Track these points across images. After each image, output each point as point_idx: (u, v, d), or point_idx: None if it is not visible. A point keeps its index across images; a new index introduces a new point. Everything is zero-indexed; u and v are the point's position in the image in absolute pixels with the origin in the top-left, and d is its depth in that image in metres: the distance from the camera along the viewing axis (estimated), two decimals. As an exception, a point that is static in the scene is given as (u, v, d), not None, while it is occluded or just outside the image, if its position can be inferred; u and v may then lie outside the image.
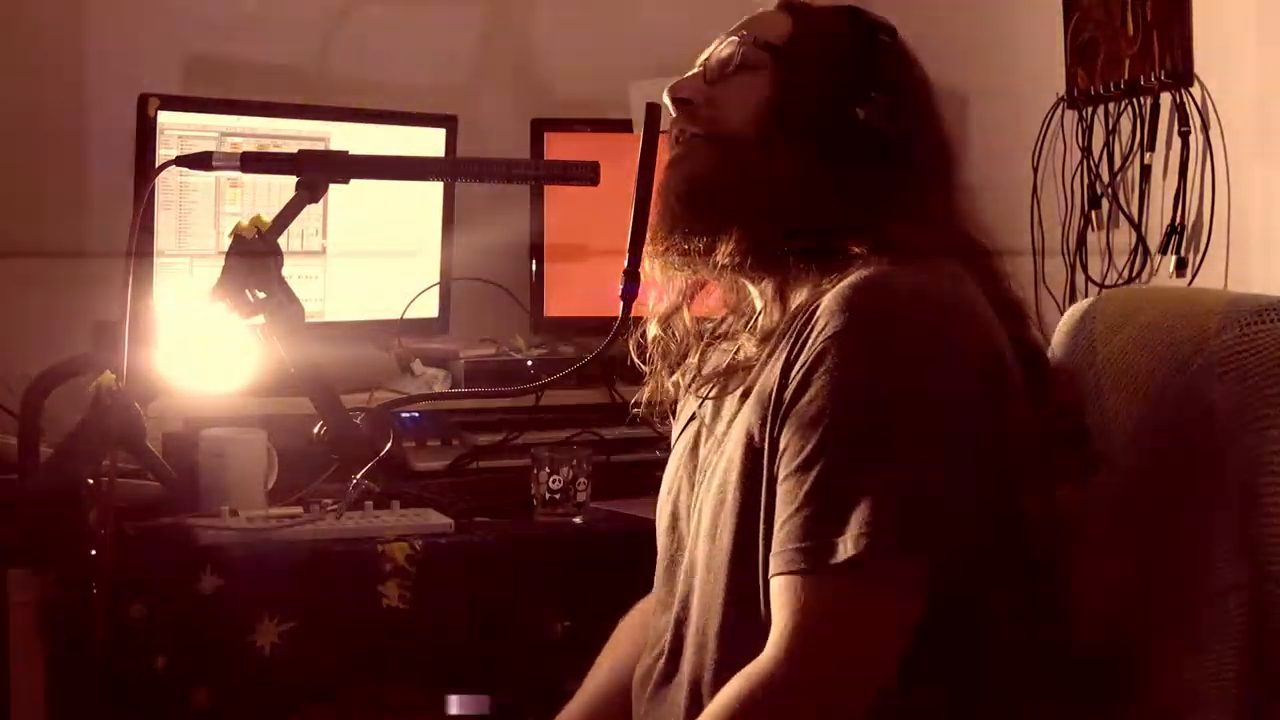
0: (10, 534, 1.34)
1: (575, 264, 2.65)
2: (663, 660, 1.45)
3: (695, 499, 1.46)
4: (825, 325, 1.29)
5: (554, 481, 2.24)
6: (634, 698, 1.51)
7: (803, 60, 1.42)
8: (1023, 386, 1.34)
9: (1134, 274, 2.33)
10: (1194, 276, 2.22)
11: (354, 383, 2.36)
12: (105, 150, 2.50)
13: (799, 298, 1.39)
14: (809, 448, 1.27)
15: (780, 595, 1.26)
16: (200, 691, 1.93)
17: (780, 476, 1.29)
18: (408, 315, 2.55)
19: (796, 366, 1.30)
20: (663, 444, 2.57)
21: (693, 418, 1.52)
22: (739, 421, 1.38)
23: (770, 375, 1.34)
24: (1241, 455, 1.32)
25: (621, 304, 1.44)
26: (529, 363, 2.54)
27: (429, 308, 2.59)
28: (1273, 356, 1.33)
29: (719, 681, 1.32)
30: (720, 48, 1.48)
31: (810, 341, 1.30)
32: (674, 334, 1.54)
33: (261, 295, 1.32)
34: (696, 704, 1.36)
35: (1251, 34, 2.14)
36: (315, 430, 1.41)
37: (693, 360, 1.53)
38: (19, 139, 2.51)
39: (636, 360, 1.57)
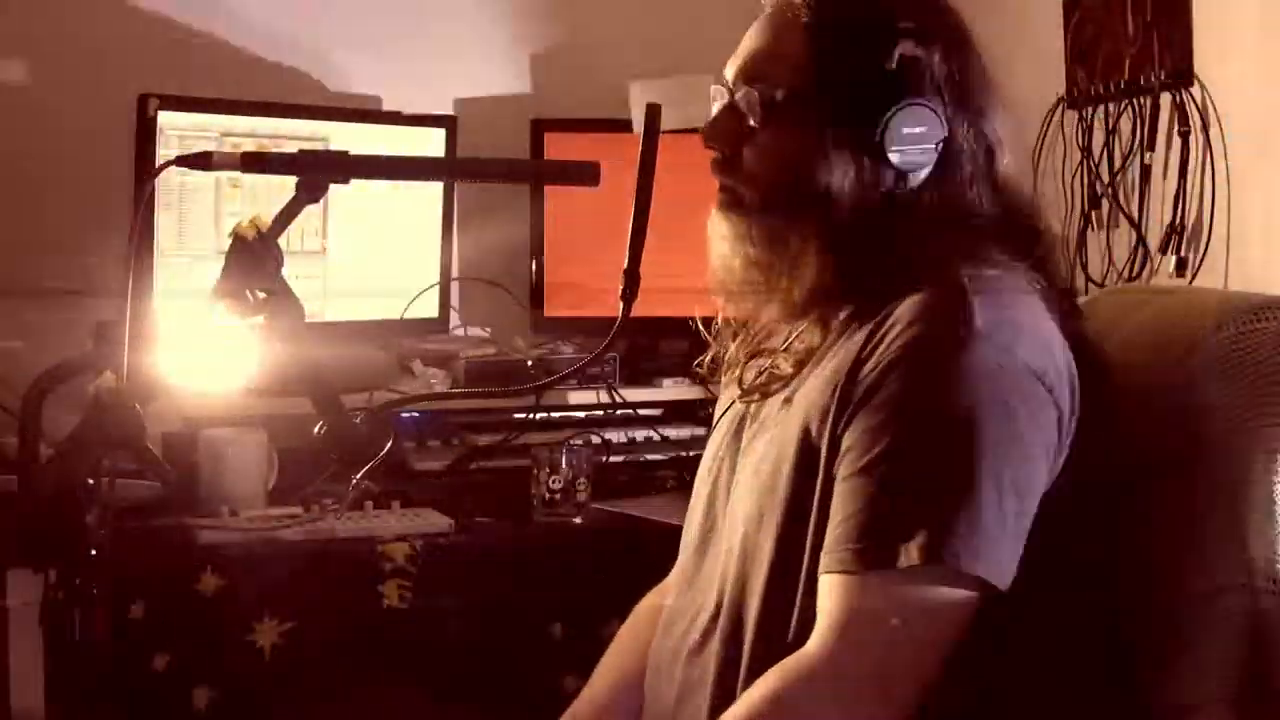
0: (10, 534, 1.34)
1: (575, 264, 2.65)
2: (694, 636, 1.43)
3: (735, 482, 1.46)
4: (902, 332, 1.29)
5: (554, 481, 2.24)
6: (655, 674, 1.50)
7: (835, 86, 1.37)
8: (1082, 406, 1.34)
9: (1134, 274, 2.33)
10: (1194, 276, 2.22)
11: (354, 383, 2.35)
12: (105, 150, 2.50)
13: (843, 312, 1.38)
14: (877, 450, 1.26)
15: (832, 592, 1.26)
16: (200, 691, 1.93)
17: (842, 474, 1.29)
18: (408, 315, 2.55)
19: (869, 368, 1.29)
20: (665, 447, 2.58)
21: (733, 402, 1.52)
22: (793, 414, 1.36)
23: (834, 375, 1.33)
24: (1239, 453, 1.32)
25: (621, 304, 1.44)
26: (529, 363, 2.54)
27: (429, 308, 2.59)
28: (1270, 354, 1.32)
29: (753, 663, 1.32)
30: (743, 95, 1.42)
31: (884, 346, 1.29)
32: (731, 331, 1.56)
33: (261, 295, 1.32)
34: (726, 684, 1.35)
35: (1251, 34, 2.14)
36: (315, 430, 1.41)
37: (738, 356, 1.53)
38: (19, 139, 2.51)
39: (703, 329, 1.58)
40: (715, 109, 1.46)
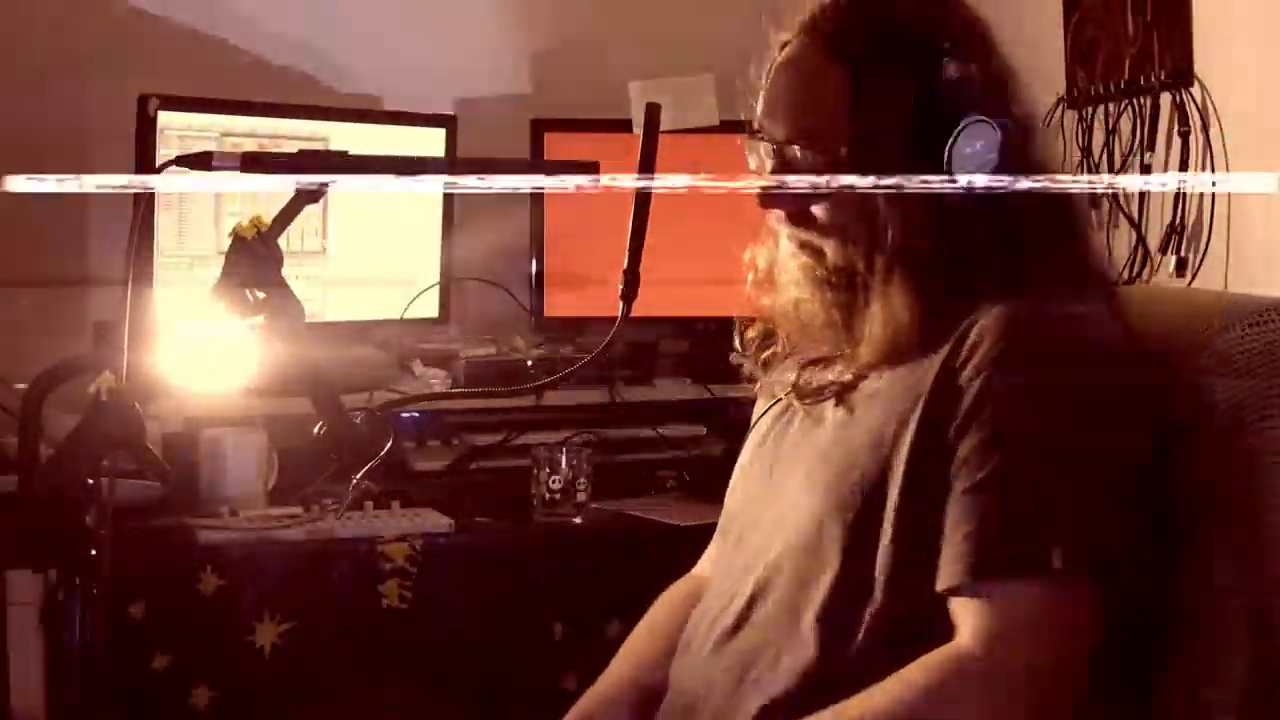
0: (10, 534, 1.34)
1: (575, 264, 2.65)
2: (725, 623, 1.44)
3: (782, 481, 1.46)
4: (999, 342, 1.31)
5: (554, 481, 2.24)
6: (684, 660, 1.50)
7: (892, 126, 1.36)
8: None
9: (1134, 274, 2.33)
10: (1194, 276, 2.22)
11: (354, 383, 2.35)
12: (105, 150, 2.50)
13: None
14: (998, 461, 1.28)
15: (983, 596, 1.27)
16: (200, 691, 1.93)
17: (962, 487, 1.29)
18: (408, 315, 2.55)
19: (968, 377, 1.31)
20: (665, 447, 2.58)
21: (776, 401, 1.54)
22: (864, 421, 1.38)
23: (915, 385, 1.34)
24: (1244, 454, 1.32)
25: (621, 304, 1.44)
26: (529, 363, 2.54)
27: (429, 308, 2.59)
28: (1274, 356, 1.33)
29: (800, 658, 1.33)
30: (801, 157, 1.41)
31: (979, 355, 1.31)
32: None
33: (261, 295, 1.32)
34: (760, 669, 1.36)
35: (1251, 34, 2.14)
36: (315, 430, 1.41)
37: (787, 360, 1.54)
38: (19, 139, 2.51)
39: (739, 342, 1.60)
40: (761, 165, 1.45)
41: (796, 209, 1.43)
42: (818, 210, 1.41)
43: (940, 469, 1.31)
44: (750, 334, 1.59)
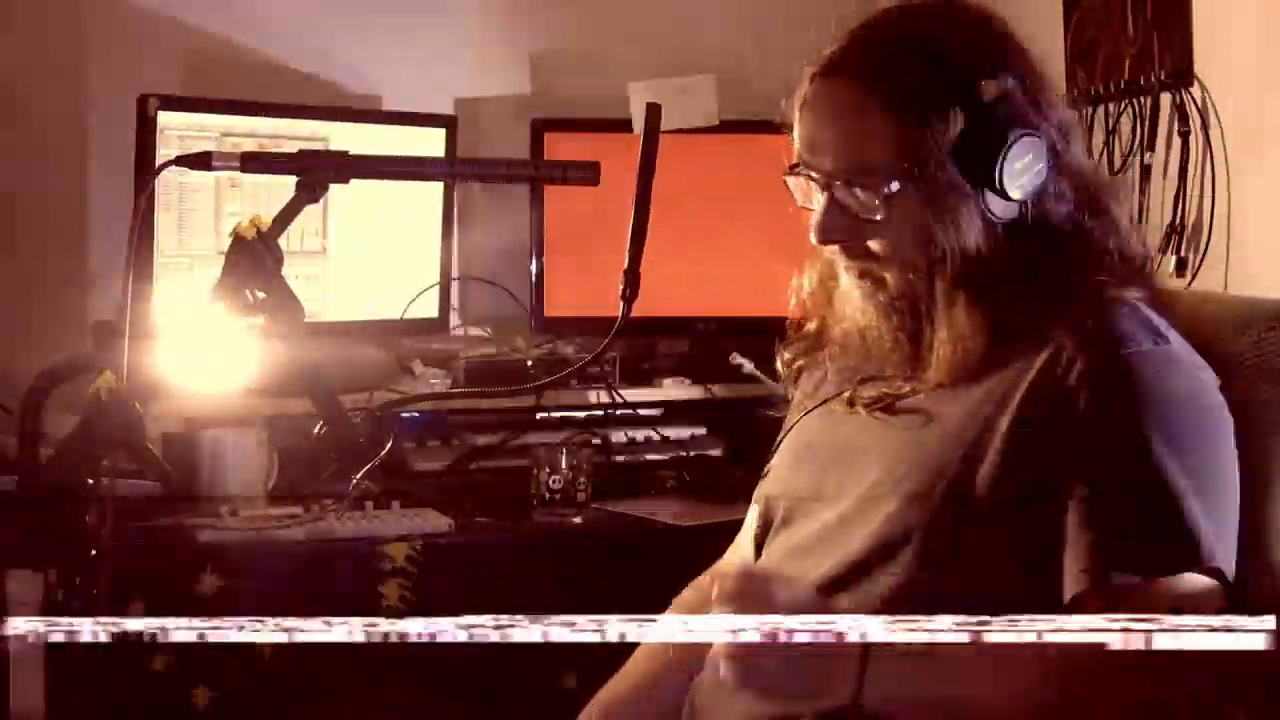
0: (10, 534, 1.34)
1: (575, 264, 2.65)
2: None
3: (847, 478, 1.47)
4: (1094, 350, 1.34)
5: (554, 481, 2.24)
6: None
7: (941, 153, 1.37)
8: None
9: (1134, 274, 2.33)
10: (1194, 276, 2.22)
11: (354, 383, 2.35)
12: (105, 150, 2.50)
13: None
14: (1132, 466, 1.30)
15: (1116, 595, 1.28)
16: (200, 691, 1.93)
17: (1080, 494, 1.30)
18: (408, 315, 2.55)
19: (1065, 388, 1.33)
20: (665, 447, 2.58)
21: (822, 402, 1.55)
22: (943, 427, 1.39)
23: (1003, 397, 1.36)
24: (1260, 454, 1.35)
25: (622, 304, 1.44)
26: (529, 363, 2.54)
27: (429, 308, 2.59)
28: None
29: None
30: (855, 195, 1.40)
31: (1075, 365, 1.33)
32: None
33: (261, 295, 1.32)
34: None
35: (1251, 34, 2.14)
36: (315, 430, 1.41)
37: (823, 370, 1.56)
38: (19, 139, 2.51)
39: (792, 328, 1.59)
40: (818, 206, 1.44)
41: (854, 242, 1.43)
42: (874, 243, 1.42)
43: (1038, 473, 1.33)
44: (788, 355, 1.60)
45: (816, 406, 1.56)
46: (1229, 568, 1.29)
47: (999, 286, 1.38)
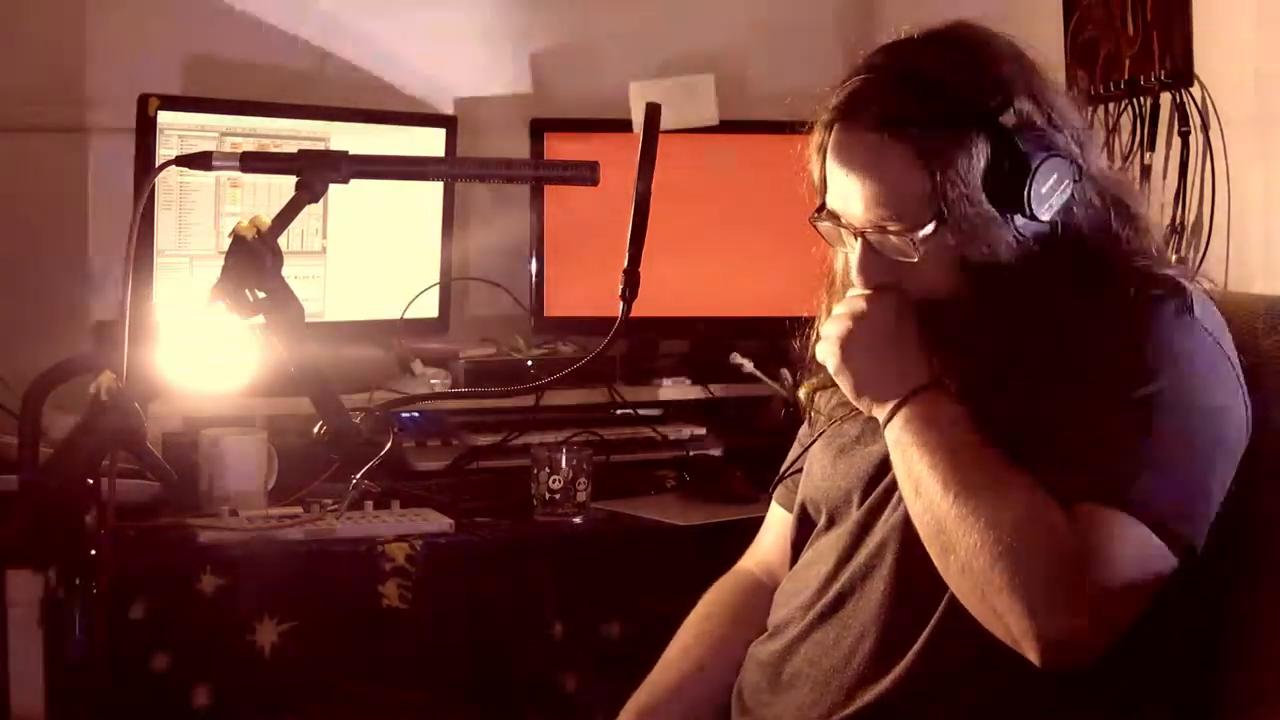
0: (10, 534, 1.34)
1: (575, 264, 2.65)
2: (824, 601, 1.49)
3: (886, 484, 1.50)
4: (1119, 316, 1.38)
5: (554, 481, 2.24)
6: (780, 634, 1.55)
7: (970, 192, 1.40)
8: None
9: (1134, 274, 2.33)
10: (1194, 276, 2.22)
11: (354, 383, 2.36)
12: (105, 150, 2.50)
13: None
14: (1113, 401, 1.34)
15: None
16: (200, 691, 1.93)
17: (1081, 415, 1.34)
18: (408, 315, 2.55)
19: (1083, 348, 1.37)
20: (665, 447, 2.58)
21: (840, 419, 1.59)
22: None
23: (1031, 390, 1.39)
24: None
25: (621, 304, 1.44)
26: (529, 363, 2.54)
27: (429, 308, 2.59)
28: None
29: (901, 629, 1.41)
30: (893, 242, 1.44)
31: (1097, 332, 1.37)
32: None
33: (261, 295, 1.32)
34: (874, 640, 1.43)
35: (1251, 34, 2.14)
36: (315, 430, 1.41)
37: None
38: (19, 139, 2.51)
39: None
40: (853, 252, 1.47)
41: (891, 280, 1.47)
42: (913, 283, 1.46)
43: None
44: (807, 388, 1.65)
45: (846, 416, 1.58)
46: (1186, 531, 1.30)
47: (1031, 309, 1.41)
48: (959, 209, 1.39)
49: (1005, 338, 1.41)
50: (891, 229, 1.43)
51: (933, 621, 1.39)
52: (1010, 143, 1.39)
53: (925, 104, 1.39)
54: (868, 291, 1.48)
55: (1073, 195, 1.42)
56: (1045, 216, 1.40)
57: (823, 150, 1.47)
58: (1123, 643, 1.31)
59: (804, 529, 1.62)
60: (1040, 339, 1.40)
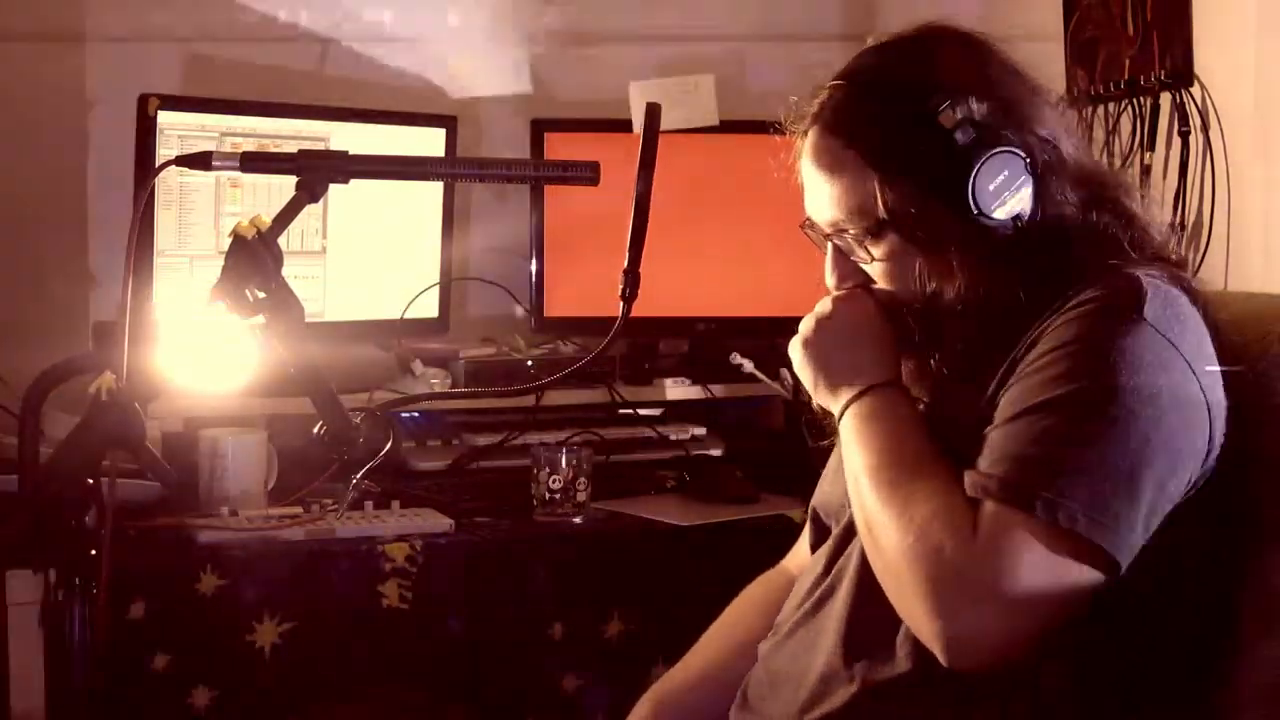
0: (10, 534, 1.34)
1: (575, 264, 2.65)
2: (808, 604, 1.51)
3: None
4: (1071, 313, 1.35)
5: (554, 481, 2.24)
6: (775, 634, 1.56)
7: (918, 192, 1.41)
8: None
9: (1134, 274, 2.33)
10: (1194, 276, 2.22)
11: (354, 383, 2.36)
12: (105, 150, 2.50)
13: None
14: (1034, 401, 1.32)
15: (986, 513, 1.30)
16: (200, 691, 1.93)
17: (996, 420, 1.34)
18: (408, 315, 2.55)
19: (1033, 346, 1.36)
20: (665, 447, 2.58)
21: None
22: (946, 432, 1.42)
23: (988, 389, 1.39)
24: None
25: (622, 304, 1.44)
26: (529, 363, 2.54)
27: (429, 308, 2.59)
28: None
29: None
30: (846, 243, 1.48)
31: (1050, 329, 1.36)
32: None
33: (261, 295, 1.32)
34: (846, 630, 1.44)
35: (1251, 34, 2.14)
36: (315, 430, 1.41)
37: None
38: (19, 138, 2.51)
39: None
40: (827, 253, 1.52)
41: (864, 281, 1.51)
42: (879, 284, 1.49)
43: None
44: None
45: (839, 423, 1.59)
46: (1100, 537, 1.27)
47: (1000, 304, 1.40)
48: (908, 213, 1.41)
49: (967, 338, 1.42)
50: (850, 232, 1.46)
51: (894, 626, 1.38)
52: (952, 143, 1.39)
53: (871, 107, 1.43)
54: (840, 293, 1.52)
55: (1042, 192, 1.41)
56: (1000, 214, 1.40)
57: (800, 158, 1.51)
58: (1088, 652, 1.31)
59: (819, 532, 1.63)
60: (998, 339, 1.40)
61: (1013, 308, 1.40)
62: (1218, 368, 1.38)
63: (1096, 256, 1.42)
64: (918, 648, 1.34)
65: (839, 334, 1.49)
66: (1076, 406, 1.30)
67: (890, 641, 1.38)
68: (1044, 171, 1.42)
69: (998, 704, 1.33)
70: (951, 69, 1.43)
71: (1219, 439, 1.35)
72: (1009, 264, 1.41)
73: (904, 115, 1.41)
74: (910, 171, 1.41)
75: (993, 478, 1.30)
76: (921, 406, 1.47)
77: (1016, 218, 1.41)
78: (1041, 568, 1.27)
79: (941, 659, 1.29)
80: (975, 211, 1.39)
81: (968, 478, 1.32)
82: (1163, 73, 2.25)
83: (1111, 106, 2.37)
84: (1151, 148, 2.30)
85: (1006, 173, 1.39)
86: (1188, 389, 1.33)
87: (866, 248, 1.46)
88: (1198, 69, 2.22)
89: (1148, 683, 1.37)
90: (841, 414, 1.47)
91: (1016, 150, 1.40)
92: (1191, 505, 1.33)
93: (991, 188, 1.39)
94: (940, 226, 1.41)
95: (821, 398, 1.51)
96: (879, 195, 1.42)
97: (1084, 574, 1.28)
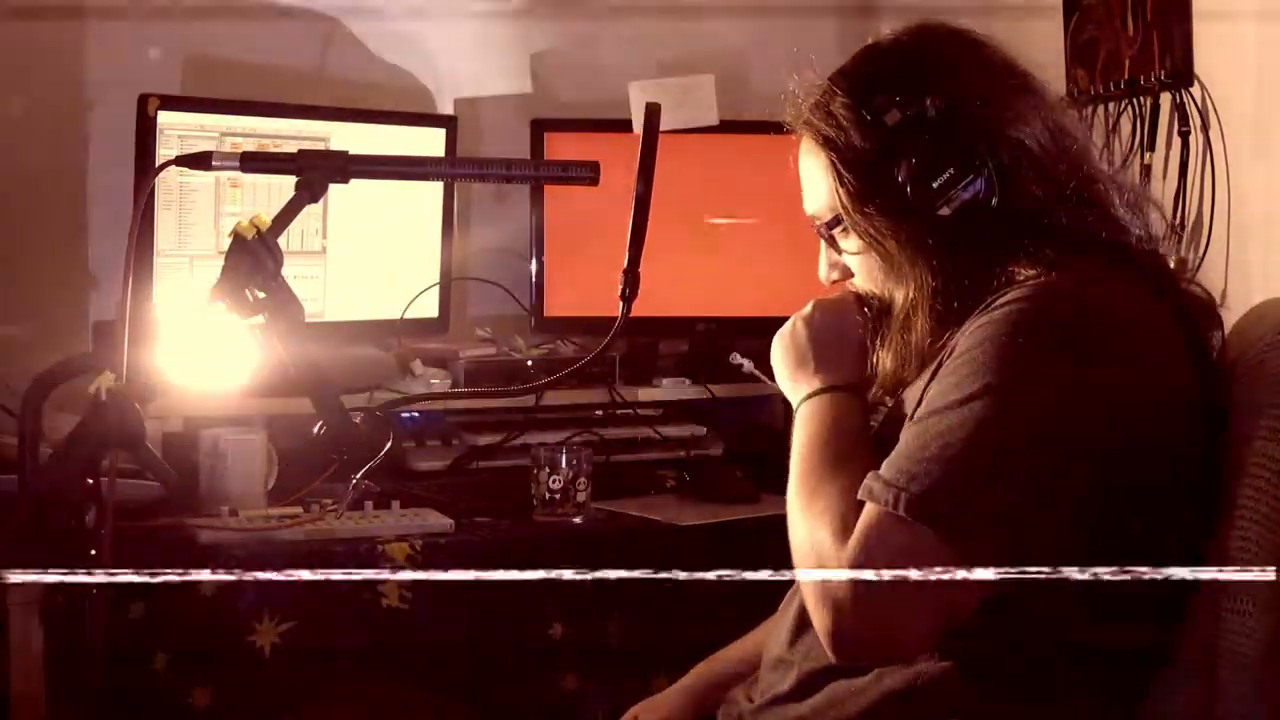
0: (10, 534, 1.34)
1: (575, 264, 2.66)
2: (790, 590, 1.58)
3: None
4: (995, 309, 1.35)
5: (554, 481, 2.24)
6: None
7: (865, 186, 1.45)
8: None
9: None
10: (1194, 276, 2.22)
11: (354, 383, 2.36)
12: (105, 150, 2.50)
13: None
14: (937, 402, 1.33)
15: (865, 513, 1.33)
16: (200, 691, 1.93)
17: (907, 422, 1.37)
18: (408, 315, 2.55)
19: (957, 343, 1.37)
20: (665, 447, 2.58)
21: None
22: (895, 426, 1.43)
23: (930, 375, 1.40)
24: None
25: (621, 304, 1.44)
26: (529, 363, 2.54)
27: (429, 308, 2.59)
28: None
29: None
30: (820, 231, 1.54)
31: (976, 324, 1.36)
32: None
33: (261, 295, 1.32)
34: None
35: (1251, 34, 2.14)
36: (315, 430, 1.41)
37: None
38: (20, 139, 2.51)
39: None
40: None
41: (846, 277, 1.56)
42: (856, 276, 1.54)
43: None
44: None
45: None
46: (974, 543, 1.26)
47: (956, 296, 1.42)
48: (862, 209, 1.45)
49: (919, 335, 1.45)
50: (825, 228, 1.52)
51: None
52: (895, 140, 1.42)
53: (836, 106, 1.47)
54: (817, 299, 1.59)
55: (997, 190, 1.41)
56: (946, 211, 1.41)
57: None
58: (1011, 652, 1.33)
59: None
60: (941, 337, 1.42)
61: (956, 305, 1.41)
62: (1142, 369, 1.35)
63: (1039, 254, 1.40)
64: None
65: (818, 333, 1.55)
66: (956, 409, 1.31)
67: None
68: (1003, 169, 1.42)
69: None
70: (921, 68, 1.46)
71: (1156, 437, 1.33)
72: (954, 261, 1.42)
73: (858, 114, 1.45)
74: (854, 170, 1.45)
75: (876, 478, 1.32)
76: (889, 407, 1.50)
77: (962, 215, 1.41)
78: (896, 560, 1.27)
79: (829, 654, 1.33)
80: (915, 208, 1.41)
81: (869, 479, 1.34)
82: (1163, 73, 2.25)
83: (1111, 106, 2.37)
84: (1151, 148, 2.30)
85: (950, 171, 1.41)
86: (1082, 389, 1.31)
87: (836, 242, 1.52)
88: (1198, 69, 2.22)
89: (1083, 667, 1.36)
90: (795, 410, 1.53)
91: (965, 148, 1.41)
92: (1157, 500, 1.33)
93: (935, 185, 1.41)
94: (886, 224, 1.44)
95: (786, 391, 1.57)
96: (841, 191, 1.46)
97: (926, 546, 1.27)
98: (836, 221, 1.49)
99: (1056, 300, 1.35)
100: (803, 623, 1.47)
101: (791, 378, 1.56)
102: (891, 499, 1.29)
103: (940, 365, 1.38)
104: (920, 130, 1.42)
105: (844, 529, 1.32)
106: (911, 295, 1.44)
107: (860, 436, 1.46)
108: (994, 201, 1.41)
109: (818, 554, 1.34)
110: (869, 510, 1.31)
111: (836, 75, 1.50)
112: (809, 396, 1.51)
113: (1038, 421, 1.29)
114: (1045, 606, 1.32)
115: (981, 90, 1.45)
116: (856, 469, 1.36)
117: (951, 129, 1.42)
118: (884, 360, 1.50)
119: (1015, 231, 1.42)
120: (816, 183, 1.50)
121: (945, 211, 1.41)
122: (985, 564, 1.26)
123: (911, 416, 1.36)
